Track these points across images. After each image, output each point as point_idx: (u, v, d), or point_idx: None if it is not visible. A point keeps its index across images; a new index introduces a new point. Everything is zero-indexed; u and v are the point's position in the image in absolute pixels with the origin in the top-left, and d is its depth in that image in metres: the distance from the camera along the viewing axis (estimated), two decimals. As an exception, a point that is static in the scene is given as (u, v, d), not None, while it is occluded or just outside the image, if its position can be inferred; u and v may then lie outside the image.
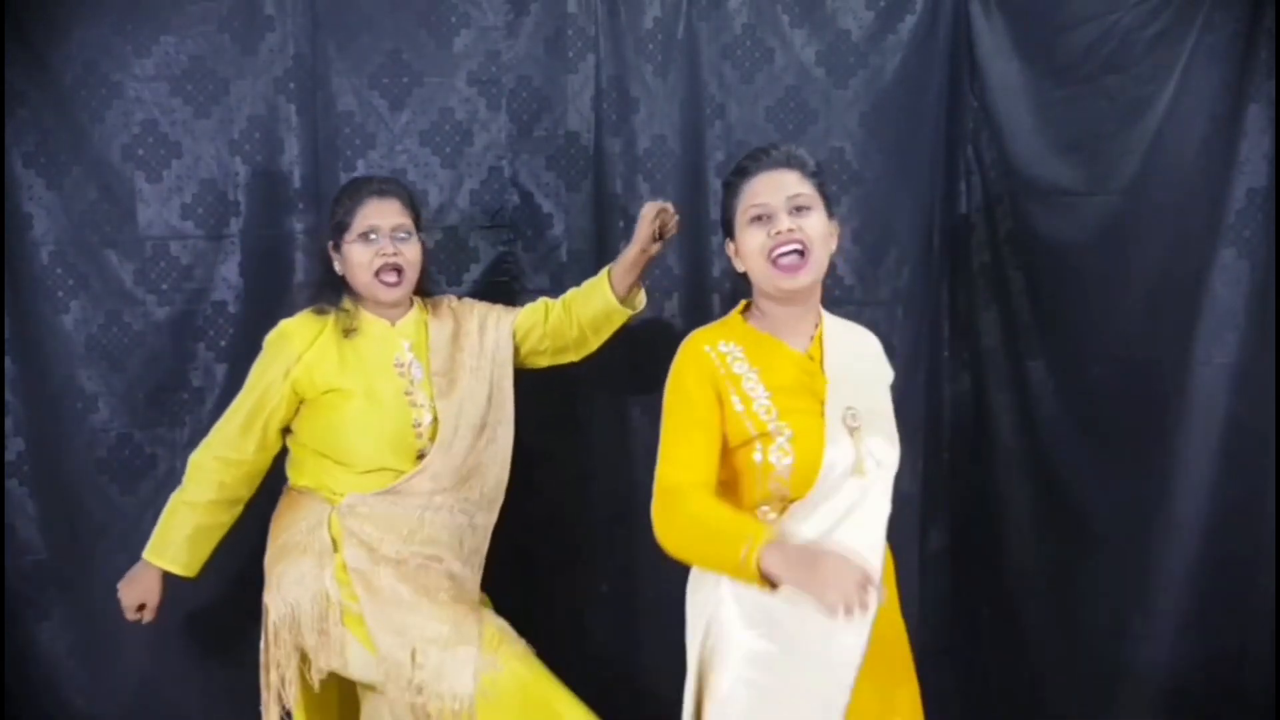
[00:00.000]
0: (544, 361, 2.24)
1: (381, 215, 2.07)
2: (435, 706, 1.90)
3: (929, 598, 2.53)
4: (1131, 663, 2.11)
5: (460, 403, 2.10)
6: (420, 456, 2.06)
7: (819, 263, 1.73)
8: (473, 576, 2.09)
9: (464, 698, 1.89)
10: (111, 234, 2.36)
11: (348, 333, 2.08)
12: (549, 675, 1.98)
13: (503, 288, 2.48)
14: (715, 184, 2.41)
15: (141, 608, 2.13)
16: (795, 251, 1.70)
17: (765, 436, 1.67)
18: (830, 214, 1.77)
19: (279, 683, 2.03)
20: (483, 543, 2.11)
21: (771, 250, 1.70)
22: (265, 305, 2.32)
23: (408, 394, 2.08)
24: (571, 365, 2.44)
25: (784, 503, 1.68)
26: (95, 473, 2.39)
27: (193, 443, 2.18)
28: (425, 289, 2.21)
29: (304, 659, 2.01)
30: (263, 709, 2.07)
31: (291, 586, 2.01)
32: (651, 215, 2.05)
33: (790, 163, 1.75)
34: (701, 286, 2.46)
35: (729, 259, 1.83)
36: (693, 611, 1.75)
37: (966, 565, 2.57)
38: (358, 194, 2.10)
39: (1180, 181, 2.04)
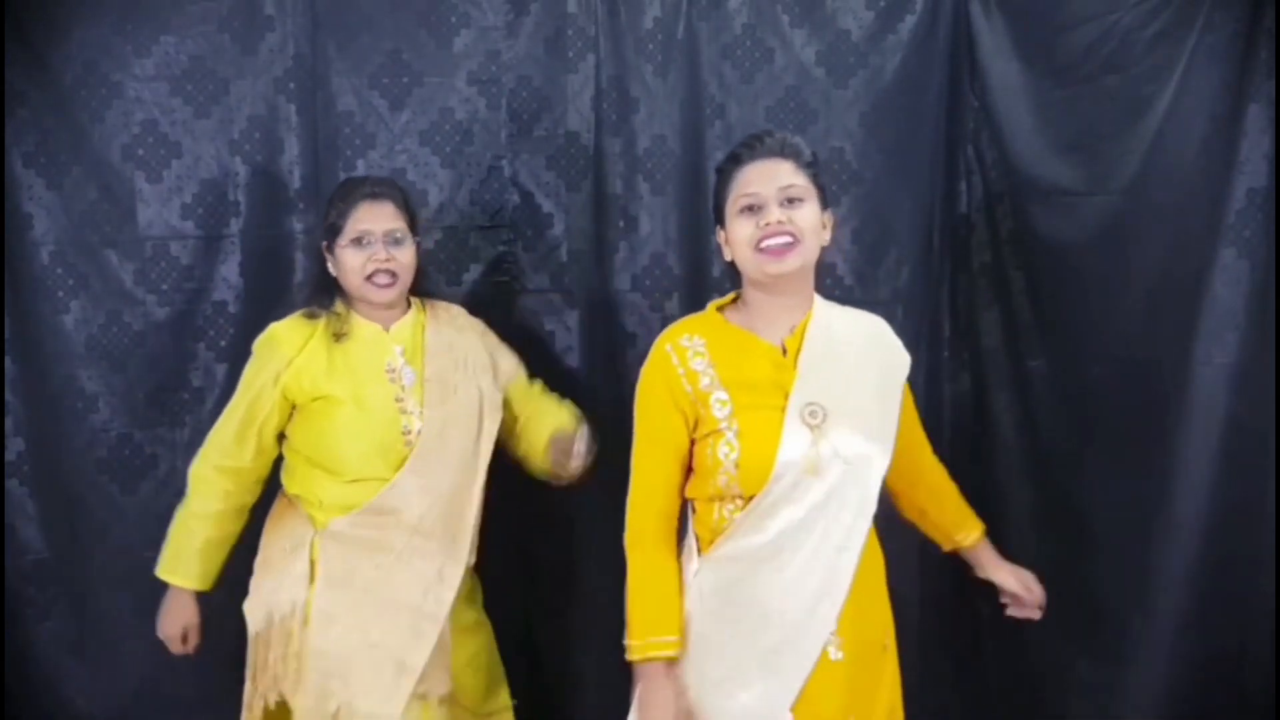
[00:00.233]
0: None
1: (374, 219, 2.04)
2: None
3: (929, 598, 2.53)
4: (1131, 663, 2.11)
5: (452, 411, 2.06)
6: None
7: (809, 250, 1.69)
8: (437, 631, 2.02)
9: None
10: (111, 234, 2.36)
11: (338, 337, 2.05)
12: None
13: (503, 288, 2.48)
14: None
15: (185, 637, 2.10)
16: (785, 243, 1.67)
17: (716, 434, 1.68)
18: (825, 205, 1.74)
19: (250, 693, 2.05)
20: (450, 593, 2.03)
21: (759, 241, 1.67)
22: (265, 305, 2.32)
23: (398, 400, 2.04)
24: (571, 364, 2.44)
25: (742, 501, 1.68)
26: (95, 473, 2.40)
27: (193, 442, 2.18)
28: (422, 290, 2.18)
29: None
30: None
31: (261, 606, 2.02)
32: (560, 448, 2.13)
33: (784, 152, 1.71)
34: (701, 286, 2.45)
35: (720, 244, 1.80)
36: None
37: (966, 565, 2.57)
38: (350, 196, 2.07)
39: (1180, 181, 2.04)
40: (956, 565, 2.59)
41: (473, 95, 2.43)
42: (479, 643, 2.18)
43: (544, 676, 2.51)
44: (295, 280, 2.39)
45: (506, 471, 2.20)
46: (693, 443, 1.74)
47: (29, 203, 2.33)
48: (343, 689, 1.94)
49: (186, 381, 2.42)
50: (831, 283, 2.37)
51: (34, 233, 2.34)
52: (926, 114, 2.46)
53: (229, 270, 2.41)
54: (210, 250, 2.40)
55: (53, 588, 2.42)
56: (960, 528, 2.00)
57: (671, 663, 1.69)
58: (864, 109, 2.44)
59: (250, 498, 2.11)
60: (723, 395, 1.69)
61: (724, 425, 1.67)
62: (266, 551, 2.08)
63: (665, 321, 2.46)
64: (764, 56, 2.43)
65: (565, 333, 2.48)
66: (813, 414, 1.66)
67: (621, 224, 2.45)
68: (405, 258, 2.07)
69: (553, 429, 2.16)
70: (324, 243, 2.11)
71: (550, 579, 2.50)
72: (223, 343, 2.41)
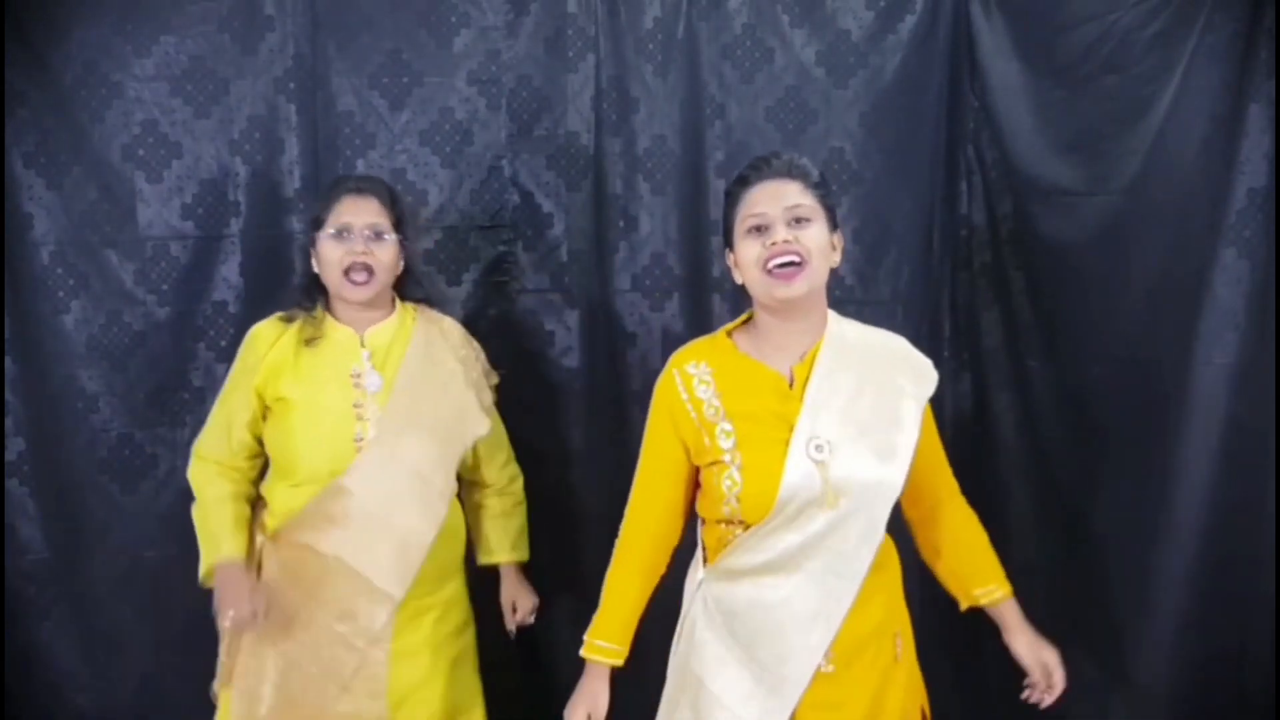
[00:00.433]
0: None
1: (355, 213, 2.00)
2: None
3: (929, 598, 2.53)
4: (1131, 663, 2.11)
5: (414, 424, 2.00)
6: None
7: (817, 273, 1.66)
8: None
9: None
10: (112, 234, 2.37)
11: (309, 341, 2.02)
12: None
13: (503, 288, 2.48)
14: (715, 184, 2.41)
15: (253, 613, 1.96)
16: (791, 262, 1.64)
17: (720, 465, 1.67)
18: (834, 226, 1.71)
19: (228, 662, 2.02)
20: (374, 624, 1.97)
21: (766, 261, 1.64)
22: (265, 305, 2.31)
23: (356, 406, 1.98)
24: (571, 365, 2.44)
25: (746, 526, 1.69)
26: (96, 472, 2.40)
27: (194, 443, 2.18)
28: (417, 294, 2.15)
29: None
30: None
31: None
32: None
33: (792, 173, 1.69)
34: (701, 286, 2.46)
35: (729, 267, 1.78)
36: (684, 605, 1.80)
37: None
38: (335, 190, 2.06)
39: (1180, 181, 2.04)
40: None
41: (473, 95, 2.43)
42: (429, 668, 2.05)
43: (543, 677, 2.51)
44: (295, 280, 2.39)
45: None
46: (698, 466, 1.75)
47: (29, 203, 2.34)
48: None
49: (187, 381, 2.42)
50: (832, 283, 2.35)
51: (34, 233, 2.34)
52: (926, 114, 2.46)
53: (229, 270, 2.41)
54: (210, 250, 2.41)
55: (53, 588, 2.42)
56: (979, 581, 1.86)
57: (612, 667, 1.76)
58: (864, 109, 2.44)
59: (254, 490, 2.09)
60: (728, 426, 1.68)
61: (728, 457, 1.66)
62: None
63: (665, 321, 2.47)
64: (764, 56, 2.43)
65: (565, 333, 2.49)
66: (818, 448, 1.64)
67: (621, 224, 2.46)
68: (385, 255, 2.02)
69: (498, 539, 2.24)
70: (311, 236, 2.07)
71: (550, 579, 2.49)
72: (223, 343, 2.41)
